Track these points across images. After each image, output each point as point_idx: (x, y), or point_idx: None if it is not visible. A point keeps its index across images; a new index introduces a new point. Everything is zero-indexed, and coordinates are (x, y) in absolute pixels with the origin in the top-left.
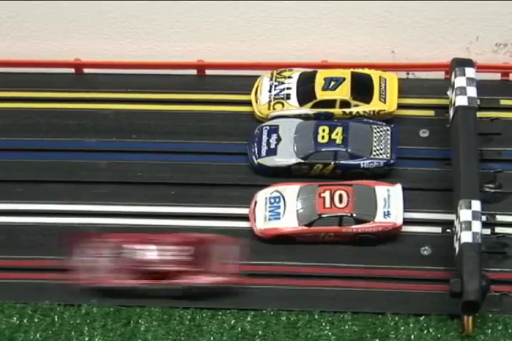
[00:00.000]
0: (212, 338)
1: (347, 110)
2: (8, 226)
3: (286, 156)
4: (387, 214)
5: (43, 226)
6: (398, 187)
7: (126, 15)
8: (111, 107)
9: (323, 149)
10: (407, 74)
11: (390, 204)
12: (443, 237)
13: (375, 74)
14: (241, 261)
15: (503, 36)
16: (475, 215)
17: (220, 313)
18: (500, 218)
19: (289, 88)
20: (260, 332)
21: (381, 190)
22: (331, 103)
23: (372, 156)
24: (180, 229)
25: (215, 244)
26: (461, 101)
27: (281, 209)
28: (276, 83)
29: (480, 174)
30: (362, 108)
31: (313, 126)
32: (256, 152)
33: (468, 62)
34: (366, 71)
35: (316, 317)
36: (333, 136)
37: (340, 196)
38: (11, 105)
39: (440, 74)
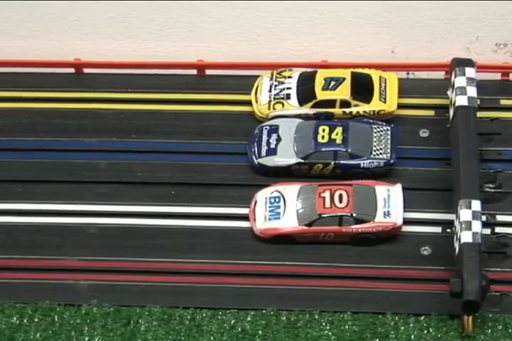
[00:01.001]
0: (212, 338)
1: (347, 110)
2: (8, 226)
3: (286, 156)
4: (387, 214)
5: (43, 226)
6: (398, 187)
7: (126, 15)
8: (111, 107)
9: (323, 149)
10: (407, 74)
11: (390, 204)
12: (443, 237)
13: (375, 74)
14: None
15: (503, 36)
16: (475, 215)
17: (220, 313)
18: (500, 218)
19: (289, 88)
20: (260, 332)
21: (381, 189)
22: (331, 103)
23: (372, 156)
24: (179, 229)
25: None
26: (461, 101)
27: (281, 209)
28: (277, 83)
29: (480, 174)
30: (362, 108)
31: (313, 126)
32: (256, 152)
33: (468, 62)
34: (366, 71)
35: (316, 317)
36: (333, 136)
37: (340, 196)
38: (11, 105)
39: (440, 74)
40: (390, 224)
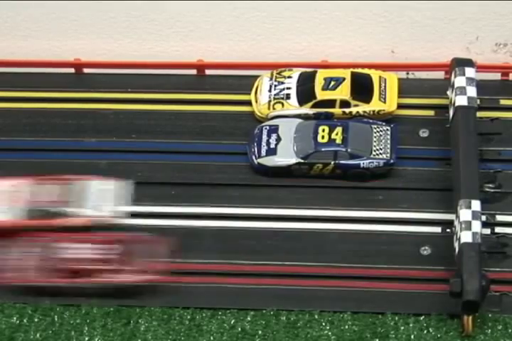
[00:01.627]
0: (212, 338)
1: (347, 110)
2: None
3: (286, 156)
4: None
5: None
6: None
7: (127, 15)
8: (111, 107)
9: (323, 149)
10: (407, 74)
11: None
12: (443, 237)
13: (375, 74)
14: (168, 259)
15: (503, 36)
16: (475, 215)
17: (220, 313)
18: (500, 218)
19: (288, 88)
20: (260, 332)
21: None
22: (330, 103)
23: (372, 156)
24: (179, 229)
25: (141, 243)
26: (461, 101)
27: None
28: (276, 83)
29: (480, 174)
30: (362, 108)
31: (313, 126)
32: (256, 152)
33: (468, 62)
34: (366, 71)
35: (316, 317)
36: (333, 136)
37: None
38: (11, 105)
39: (440, 74)
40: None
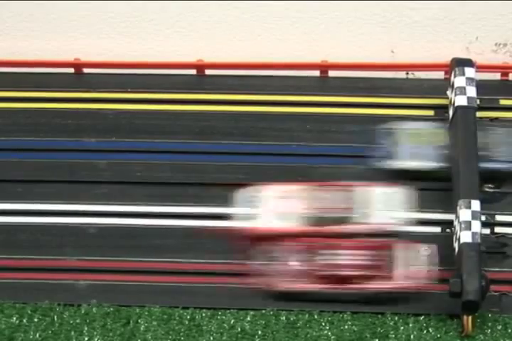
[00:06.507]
0: (211, 338)
1: None
2: (8, 227)
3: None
4: None
5: (43, 226)
6: None
7: (126, 15)
8: (111, 107)
9: None
10: (407, 74)
11: None
12: (443, 237)
13: None
14: (433, 266)
15: (502, 36)
16: (474, 215)
17: (220, 313)
18: (499, 218)
19: None
20: (260, 332)
21: None
22: None
23: None
24: (179, 229)
25: (402, 249)
26: (461, 101)
27: None
28: None
29: (480, 174)
30: None
31: None
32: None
33: (468, 62)
34: None
35: (316, 317)
36: None
37: None
38: (11, 105)
39: (440, 74)
40: None
